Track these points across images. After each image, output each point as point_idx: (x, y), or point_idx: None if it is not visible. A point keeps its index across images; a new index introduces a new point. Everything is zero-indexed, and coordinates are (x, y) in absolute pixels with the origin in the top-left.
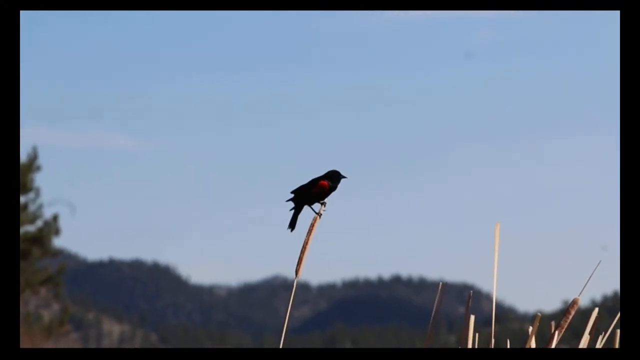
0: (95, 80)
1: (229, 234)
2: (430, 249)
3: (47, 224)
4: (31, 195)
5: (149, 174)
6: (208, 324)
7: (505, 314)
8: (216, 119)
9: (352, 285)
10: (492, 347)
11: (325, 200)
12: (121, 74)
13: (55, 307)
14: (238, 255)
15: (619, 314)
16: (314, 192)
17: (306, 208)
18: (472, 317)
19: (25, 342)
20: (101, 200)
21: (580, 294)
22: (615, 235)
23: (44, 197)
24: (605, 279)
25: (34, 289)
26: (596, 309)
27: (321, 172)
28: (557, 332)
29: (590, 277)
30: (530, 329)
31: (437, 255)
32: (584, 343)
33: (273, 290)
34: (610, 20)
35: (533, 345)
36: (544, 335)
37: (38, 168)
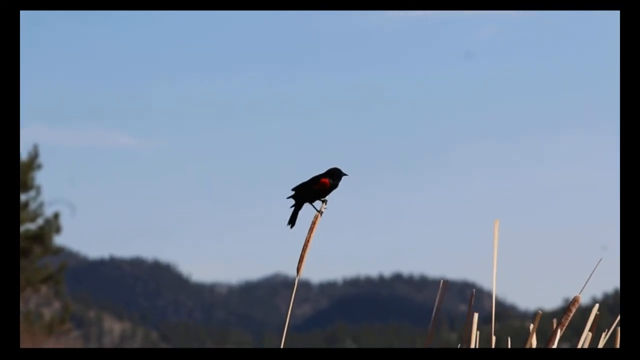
0: (96, 79)
1: (230, 232)
2: (431, 246)
3: (47, 222)
4: (32, 193)
5: (149, 173)
6: (209, 322)
7: (507, 311)
8: (216, 119)
9: (353, 283)
10: (493, 344)
11: (327, 197)
12: (121, 73)
13: (56, 305)
14: (239, 253)
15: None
16: (315, 190)
17: (307, 205)
18: (476, 315)
19: (26, 340)
20: (102, 199)
21: (581, 291)
22: (615, 234)
23: (45, 196)
24: (606, 277)
25: (34, 287)
26: (597, 305)
27: (322, 172)
28: (558, 330)
29: (591, 275)
30: (531, 326)
31: (438, 253)
32: (584, 339)
33: (274, 288)
34: (610, 20)
35: (534, 342)
36: (545, 333)
37: (39, 166)
